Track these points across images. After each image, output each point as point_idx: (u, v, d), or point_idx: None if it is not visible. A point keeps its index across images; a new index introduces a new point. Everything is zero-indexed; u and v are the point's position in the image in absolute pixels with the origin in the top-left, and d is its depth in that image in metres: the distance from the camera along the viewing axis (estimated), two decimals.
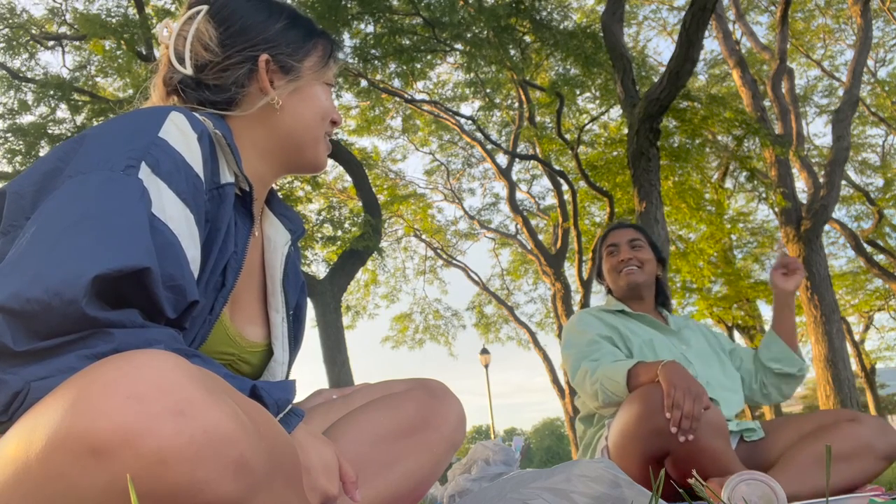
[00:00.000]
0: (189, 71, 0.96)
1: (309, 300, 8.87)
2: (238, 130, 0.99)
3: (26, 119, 8.48)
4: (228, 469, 0.54)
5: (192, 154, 0.82)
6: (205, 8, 0.99)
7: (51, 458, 0.52)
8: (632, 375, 1.74)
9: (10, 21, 8.49)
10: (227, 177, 0.89)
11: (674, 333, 2.09)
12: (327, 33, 1.08)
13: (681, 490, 1.50)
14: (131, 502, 0.47)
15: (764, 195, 10.44)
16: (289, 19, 1.03)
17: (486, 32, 8.41)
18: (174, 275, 0.73)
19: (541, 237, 14.57)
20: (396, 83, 10.57)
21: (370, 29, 8.61)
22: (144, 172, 0.75)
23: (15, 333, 0.62)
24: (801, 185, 10.65)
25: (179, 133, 0.81)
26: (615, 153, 10.24)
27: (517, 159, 13.90)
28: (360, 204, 9.66)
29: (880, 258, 13.97)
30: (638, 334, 2.03)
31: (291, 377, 1.08)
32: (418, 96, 12.59)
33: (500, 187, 15.72)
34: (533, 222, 15.03)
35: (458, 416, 1.11)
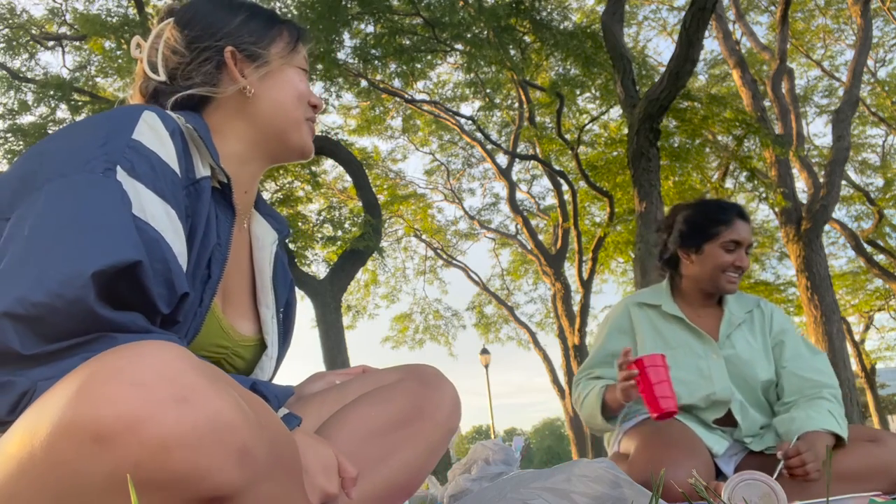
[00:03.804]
0: (163, 77, 0.99)
1: (309, 300, 8.90)
2: (218, 125, 1.00)
3: (26, 119, 8.48)
4: (231, 457, 0.54)
5: (167, 151, 0.83)
6: (171, 19, 1.03)
7: (55, 445, 0.53)
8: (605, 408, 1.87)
9: (10, 21, 8.49)
10: (201, 171, 0.90)
11: (710, 343, 1.93)
12: (291, 21, 1.10)
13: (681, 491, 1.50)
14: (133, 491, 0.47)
15: (764, 195, 10.40)
16: (249, 12, 1.05)
17: (486, 32, 8.41)
18: (162, 270, 0.75)
19: (541, 237, 14.57)
20: (396, 83, 10.58)
21: (370, 29, 8.61)
22: (121, 175, 0.76)
23: (23, 338, 0.64)
24: (801, 185, 10.65)
25: (153, 132, 0.83)
26: (615, 153, 10.24)
27: (517, 159, 13.90)
28: (360, 204, 9.65)
29: (880, 258, 13.97)
30: (676, 336, 1.96)
31: (291, 378, 1.09)
32: (418, 96, 12.60)
33: (500, 187, 15.76)
34: (533, 222, 15.02)
35: (451, 401, 1.10)
